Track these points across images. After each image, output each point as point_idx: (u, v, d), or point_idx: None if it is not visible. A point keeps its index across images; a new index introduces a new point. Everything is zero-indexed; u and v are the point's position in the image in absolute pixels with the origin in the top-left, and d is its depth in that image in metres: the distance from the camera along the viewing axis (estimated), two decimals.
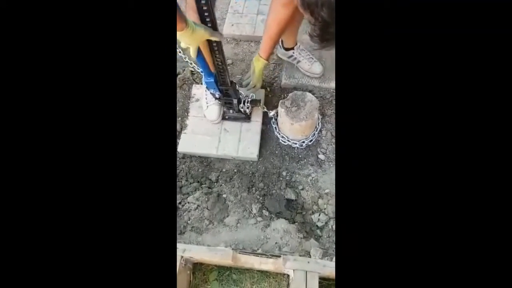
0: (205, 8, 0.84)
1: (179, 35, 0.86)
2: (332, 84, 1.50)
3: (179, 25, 0.82)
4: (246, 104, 1.33)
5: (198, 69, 1.55)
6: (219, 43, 1.00)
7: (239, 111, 1.36)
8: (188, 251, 0.94)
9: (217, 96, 1.26)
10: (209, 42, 0.97)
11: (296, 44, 1.46)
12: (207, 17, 0.86)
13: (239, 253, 1.00)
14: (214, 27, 0.90)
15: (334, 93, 1.50)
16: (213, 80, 1.15)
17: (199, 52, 1.03)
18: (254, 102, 1.37)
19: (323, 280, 1.01)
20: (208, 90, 1.25)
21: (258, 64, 1.25)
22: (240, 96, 1.33)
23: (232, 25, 1.68)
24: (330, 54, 1.58)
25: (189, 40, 0.88)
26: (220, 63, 1.09)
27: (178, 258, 0.93)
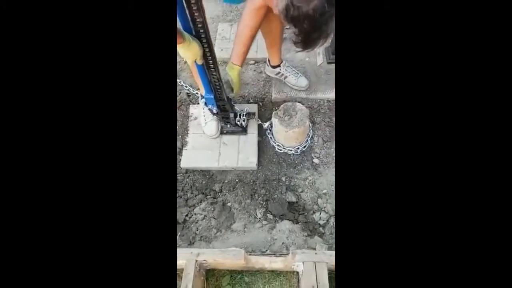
0: (200, 25, 0.95)
1: (178, 48, 0.95)
2: (318, 95, 1.64)
3: (178, 40, 0.92)
4: (242, 117, 1.44)
5: (193, 91, 1.66)
6: (215, 62, 1.11)
7: (236, 124, 1.46)
8: (202, 254, 0.99)
9: (214, 111, 1.36)
10: (206, 60, 1.08)
11: (282, 61, 1.61)
12: (202, 34, 0.97)
13: (249, 255, 1.05)
14: (209, 43, 1.00)
15: (321, 103, 1.63)
16: (212, 97, 1.26)
17: (202, 70, 1.13)
18: (249, 115, 1.48)
19: (332, 273, 1.06)
20: (207, 106, 1.35)
21: (233, 72, 1.24)
22: (236, 110, 1.44)
23: (221, 50, 1.83)
24: (313, 69, 1.74)
25: (186, 53, 0.98)
26: (216, 80, 1.20)
27: (193, 262, 0.97)
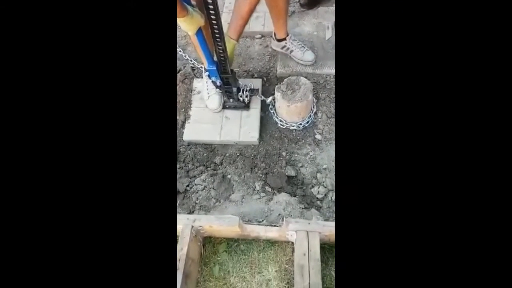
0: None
1: (180, 21, 0.96)
2: (325, 70, 1.59)
3: (181, 13, 0.93)
4: (245, 92, 1.42)
5: (198, 65, 1.66)
6: (221, 33, 1.08)
7: (238, 100, 1.45)
8: (198, 220, 1.02)
9: (218, 84, 1.35)
10: (212, 31, 1.06)
11: (288, 35, 1.56)
12: (210, 5, 0.94)
13: (245, 224, 1.07)
14: (216, 13, 0.97)
15: (327, 78, 1.59)
16: (215, 68, 1.25)
17: (203, 41, 1.13)
18: (252, 91, 1.47)
19: (325, 245, 1.08)
20: (210, 78, 1.34)
21: (228, 45, 1.21)
22: (239, 85, 1.43)
23: (228, 23, 1.79)
24: (321, 43, 1.69)
25: (188, 26, 0.99)
26: (221, 52, 1.18)
27: (189, 227, 1.01)
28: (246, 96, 1.43)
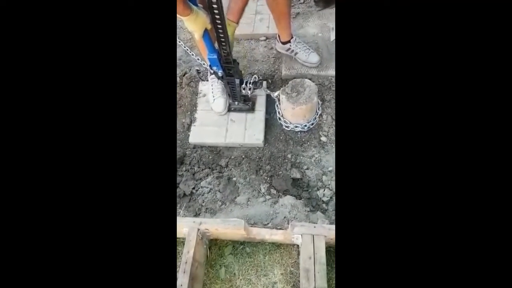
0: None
1: (185, 20, 0.95)
2: (330, 72, 1.59)
3: (185, 11, 0.92)
4: (248, 85, 1.34)
5: (205, 65, 1.65)
6: (222, 20, 1.03)
7: (241, 93, 1.38)
8: (204, 223, 1.03)
9: (219, 74, 1.28)
10: (213, 19, 1.02)
11: (292, 37, 1.56)
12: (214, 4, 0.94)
13: (251, 227, 1.08)
14: (220, 13, 0.96)
15: (332, 80, 1.58)
16: (216, 57, 1.19)
17: (206, 32, 1.10)
18: (256, 84, 1.37)
19: (331, 248, 1.08)
20: (211, 68, 1.28)
21: (229, 29, 1.16)
22: (242, 76, 1.36)
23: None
24: (326, 44, 1.68)
25: (193, 26, 0.97)
26: (226, 54, 1.16)
27: (195, 230, 1.02)
28: (250, 89, 1.35)
